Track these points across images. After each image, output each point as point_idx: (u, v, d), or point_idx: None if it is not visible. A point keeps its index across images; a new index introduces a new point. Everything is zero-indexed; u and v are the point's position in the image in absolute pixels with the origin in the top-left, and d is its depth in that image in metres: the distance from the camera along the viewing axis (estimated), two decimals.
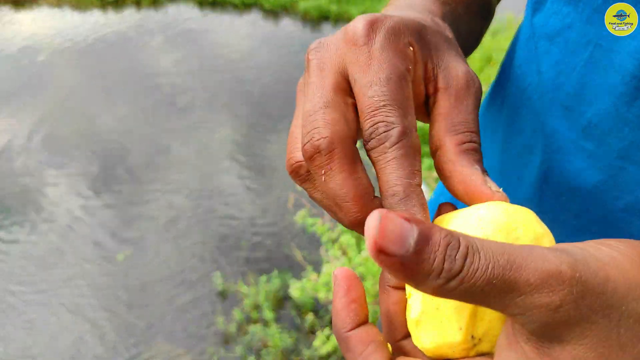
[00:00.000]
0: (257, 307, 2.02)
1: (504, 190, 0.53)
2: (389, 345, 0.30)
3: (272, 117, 3.00)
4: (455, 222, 0.29)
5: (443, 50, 0.33)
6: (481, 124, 0.61)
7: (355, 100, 0.31)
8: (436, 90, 0.32)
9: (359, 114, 0.30)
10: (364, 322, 0.29)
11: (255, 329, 1.93)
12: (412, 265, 0.22)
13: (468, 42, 0.52)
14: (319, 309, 2.00)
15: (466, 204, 0.31)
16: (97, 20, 4.02)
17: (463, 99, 0.32)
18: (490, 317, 0.26)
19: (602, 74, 0.38)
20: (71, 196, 2.55)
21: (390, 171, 0.28)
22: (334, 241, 2.17)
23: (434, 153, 0.32)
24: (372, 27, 0.31)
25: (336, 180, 0.29)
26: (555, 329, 0.23)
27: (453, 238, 0.23)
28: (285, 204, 2.46)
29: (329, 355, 1.83)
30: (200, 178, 2.64)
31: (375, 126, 0.28)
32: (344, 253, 2.08)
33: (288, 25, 4.02)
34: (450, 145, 0.30)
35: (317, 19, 4.05)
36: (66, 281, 2.17)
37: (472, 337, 0.27)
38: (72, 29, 3.90)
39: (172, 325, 2.01)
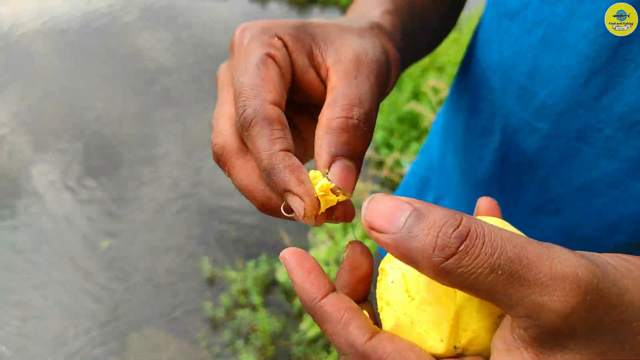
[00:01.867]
0: (245, 292, 2.03)
1: (468, 169, 0.54)
2: (366, 313, 0.29)
3: None
4: None
5: (333, 37, 0.34)
6: (449, 104, 0.61)
7: None
8: (327, 69, 0.33)
9: None
10: (332, 290, 0.28)
11: (243, 314, 1.94)
12: (404, 242, 0.22)
13: (440, 27, 0.52)
14: None
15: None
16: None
17: (352, 71, 0.32)
18: (475, 327, 0.26)
19: (556, 55, 0.38)
20: (54, 182, 2.52)
21: (255, 150, 0.30)
22: (322, 226, 2.17)
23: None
24: (243, 31, 0.34)
25: (233, 178, 0.32)
26: (561, 336, 0.21)
27: (452, 216, 0.22)
28: None
29: (316, 338, 1.85)
30: (187, 163, 2.63)
31: (236, 113, 0.31)
32: (331, 237, 2.09)
33: (275, 8, 3.97)
34: (323, 120, 0.31)
35: (305, 2, 4.00)
36: (49, 269, 2.16)
37: (455, 347, 0.26)
38: (54, 8, 3.82)
39: (159, 311, 2.01)
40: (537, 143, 0.41)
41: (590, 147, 0.38)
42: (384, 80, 0.33)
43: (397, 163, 2.25)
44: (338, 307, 0.27)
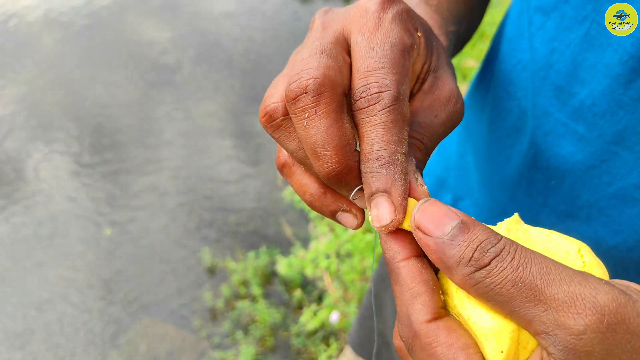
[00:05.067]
0: (245, 283, 2.03)
1: (491, 170, 0.52)
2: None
3: (260, 90, 2.95)
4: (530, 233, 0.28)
5: (442, 60, 0.33)
6: (469, 102, 0.59)
7: (351, 61, 0.29)
8: (419, 91, 0.32)
9: (353, 74, 0.28)
10: (418, 255, 0.28)
11: (243, 304, 1.94)
12: (444, 248, 0.24)
13: (471, 26, 0.51)
14: (307, 284, 2.01)
15: None
16: None
17: (436, 109, 0.31)
18: (533, 346, 0.25)
19: (598, 53, 0.36)
20: (57, 171, 2.50)
21: (378, 135, 0.26)
22: (322, 218, 2.16)
23: None
24: (387, 2, 0.30)
25: (319, 126, 0.26)
26: (578, 358, 0.21)
27: (493, 236, 0.23)
28: (274, 180, 2.44)
29: (315, 330, 1.85)
30: (188, 153, 2.60)
31: (367, 86, 0.27)
32: (332, 230, 2.07)
33: None
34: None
35: None
36: (52, 257, 2.15)
37: None
38: None
39: (159, 301, 2.01)
40: (571, 146, 0.39)
41: (628, 151, 0.36)
42: (455, 125, 0.33)
43: None
44: (414, 276, 0.26)
